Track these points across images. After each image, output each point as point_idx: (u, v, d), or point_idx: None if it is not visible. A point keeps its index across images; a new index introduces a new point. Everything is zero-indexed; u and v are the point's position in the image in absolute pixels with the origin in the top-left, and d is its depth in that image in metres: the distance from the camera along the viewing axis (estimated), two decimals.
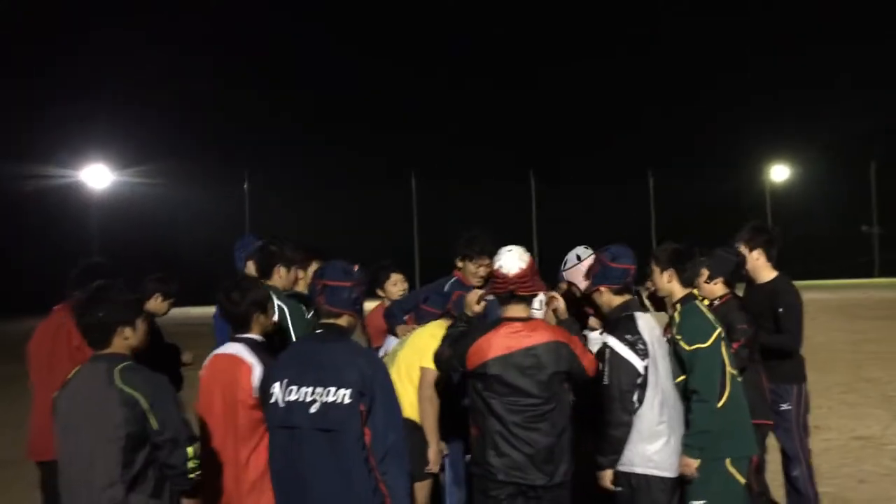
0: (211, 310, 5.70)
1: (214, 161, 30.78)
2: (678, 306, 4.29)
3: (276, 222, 26.69)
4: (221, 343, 5.33)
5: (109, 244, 24.97)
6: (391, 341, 5.06)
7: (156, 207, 28.30)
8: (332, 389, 3.30)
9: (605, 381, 4.03)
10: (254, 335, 3.78)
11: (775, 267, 5.38)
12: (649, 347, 4.06)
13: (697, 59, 41.69)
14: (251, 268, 5.45)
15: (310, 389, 3.34)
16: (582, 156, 36.94)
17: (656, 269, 4.38)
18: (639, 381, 4.02)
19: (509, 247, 4.09)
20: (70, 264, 4.81)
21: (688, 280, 4.35)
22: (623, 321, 4.12)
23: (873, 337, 15.02)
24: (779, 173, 37.75)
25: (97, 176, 28.11)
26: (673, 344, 4.20)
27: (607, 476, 4.10)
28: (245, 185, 29.13)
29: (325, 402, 3.30)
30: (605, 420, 4.05)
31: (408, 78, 40.54)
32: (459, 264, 5.11)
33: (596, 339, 4.43)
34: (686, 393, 4.14)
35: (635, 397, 4.01)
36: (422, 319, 4.75)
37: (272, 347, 3.83)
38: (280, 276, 4.75)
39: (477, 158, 35.24)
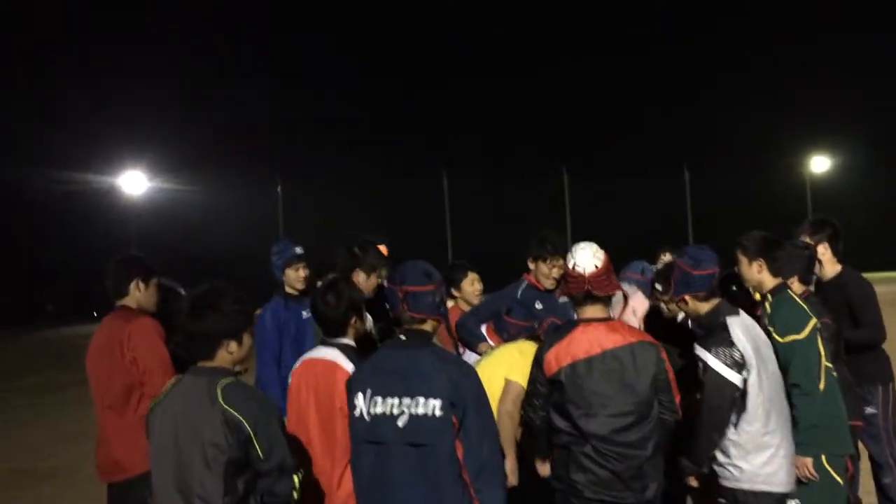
0: None
1: (247, 165, 30.94)
2: (769, 297, 4.07)
3: (309, 225, 26.72)
4: (262, 349, 5.17)
5: (146, 250, 25.13)
6: (469, 356, 4.77)
7: (191, 213, 28.48)
8: (421, 400, 3.08)
9: (699, 395, 3.80)
10: (348, 340, 3.61)
11: (840, 261, 5.10)
12: (748, 356, 3.79)
13: (734, 47, 41.10)
14: (290, 275, 5.32)
15: (396, 401, 3.12)
16: (611, 151, 36.67)
17: (744, 260, 4.17)
18: (736, 394, 3.78)
19: (582, 244, 3.83)
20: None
21: (778, 270, 4.13)
22: (717, 332, 3.85)
23: None
24: (819, 164, 37.04)
25: (134, 182, 28.34)
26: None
27: (692, 481, 3.94)
28: (279, 188, 29.17)
29: (415, 414, 3.09)
30: (696, 432, 3.82)
31: (424, 80, 40.58)
32: (531, 266, 4.93)
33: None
34: (784, 387, 3.91)
35: (731, 415, 3.78)
36: (503, 331, 4.47)
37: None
38: (359, 282, 4.58)
39: (504, 156, 35.16)
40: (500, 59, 42.93)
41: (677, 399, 3.78)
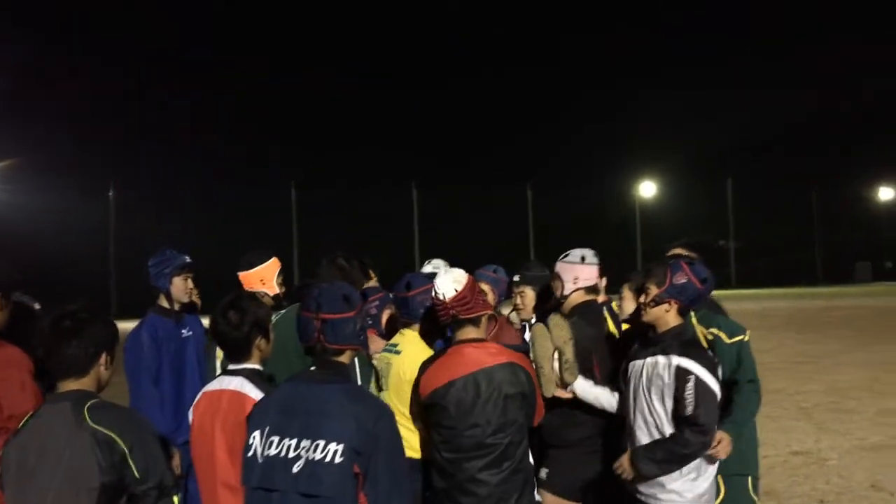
0: None
1: (77, 168, 28.60)
2: (693, 314, 4.10)
3: (143, 232, 25.11)
4: (138, 370, 4.67)
5: None
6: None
7: (8, 215, 25.80)
8: (321, 444, 2.71)
9: (688, 412, 3.57)
10: (254, 364, 3.21)
11: None
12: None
13: (572, 75, 43.35)
14: (178, 285, 4.95)
15: (293, 442, 2.75)
16: (461, 169, 37.57)
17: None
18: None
19: (443, 271, 3.73)
20: None
21: None
22: (691, 343, 3.73)
23: (757, 347, 15.65)
24: (647, 189, 39.72)
25: None
26: (709, 344, 4.02)
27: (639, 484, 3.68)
28: (110, 194, 27.17)
29: (311, 460, 2.72)
30: (679, 445, 3.58)
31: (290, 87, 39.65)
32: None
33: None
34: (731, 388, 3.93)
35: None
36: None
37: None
38: None
39: (358, 167, 35.07)
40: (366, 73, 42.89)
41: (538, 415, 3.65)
